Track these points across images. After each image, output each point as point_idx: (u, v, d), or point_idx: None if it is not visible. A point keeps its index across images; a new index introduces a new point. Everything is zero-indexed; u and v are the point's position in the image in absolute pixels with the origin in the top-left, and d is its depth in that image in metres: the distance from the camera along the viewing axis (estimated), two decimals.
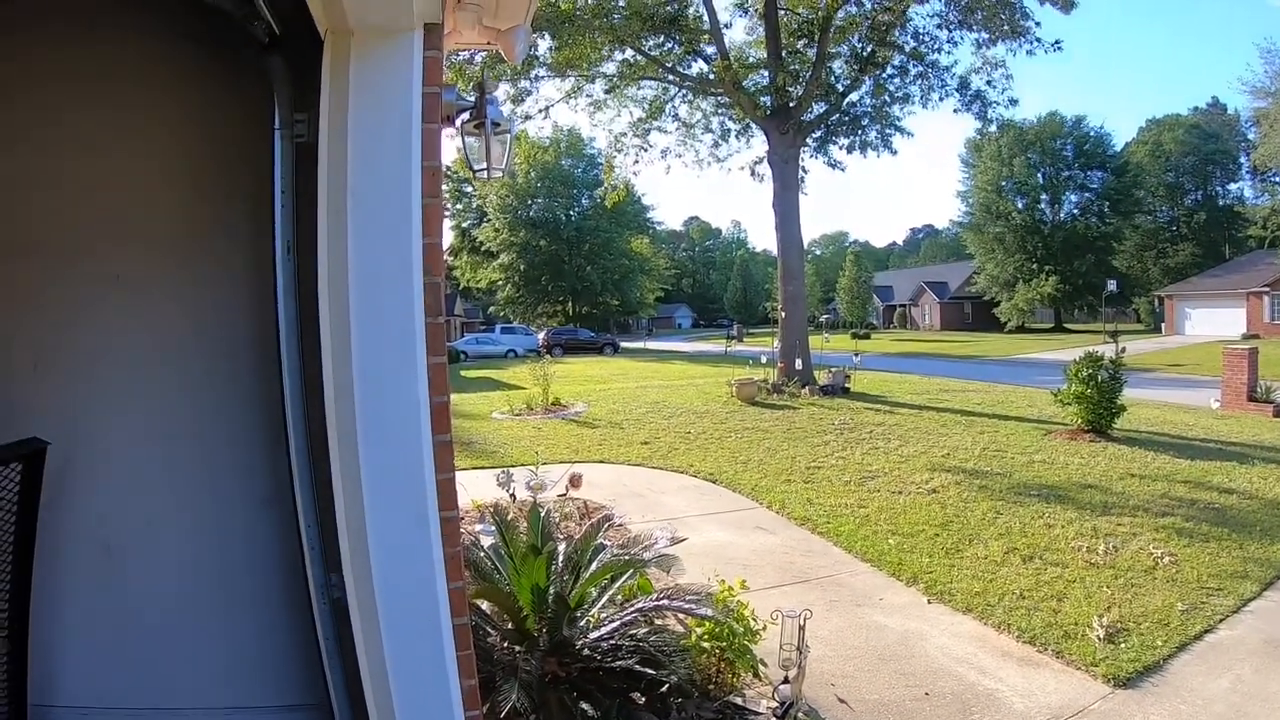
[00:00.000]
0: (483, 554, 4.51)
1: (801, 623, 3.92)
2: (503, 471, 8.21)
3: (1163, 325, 53.54)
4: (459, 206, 75.39)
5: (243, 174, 2.81)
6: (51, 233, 3.14)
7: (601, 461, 11.78)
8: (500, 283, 66.58)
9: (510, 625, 4.10)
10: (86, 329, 3.19)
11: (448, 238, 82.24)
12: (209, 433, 3.20)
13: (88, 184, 3.10)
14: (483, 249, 66.46)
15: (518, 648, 4.07)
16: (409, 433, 2.22)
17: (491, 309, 75.03)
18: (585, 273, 65.03)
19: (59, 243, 3.17)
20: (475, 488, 8.47)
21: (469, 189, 70.95)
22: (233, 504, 3.16)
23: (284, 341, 2.41)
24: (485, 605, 4.21)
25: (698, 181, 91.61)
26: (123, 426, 3.22)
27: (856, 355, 22.38)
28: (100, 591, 3.20)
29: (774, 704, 4.18)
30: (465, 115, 2.62)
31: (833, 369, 20.24)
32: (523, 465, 9.54)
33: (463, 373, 35.35)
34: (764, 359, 21.50)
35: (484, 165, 2.71)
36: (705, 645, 4.35)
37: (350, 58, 2.21)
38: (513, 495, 7.99)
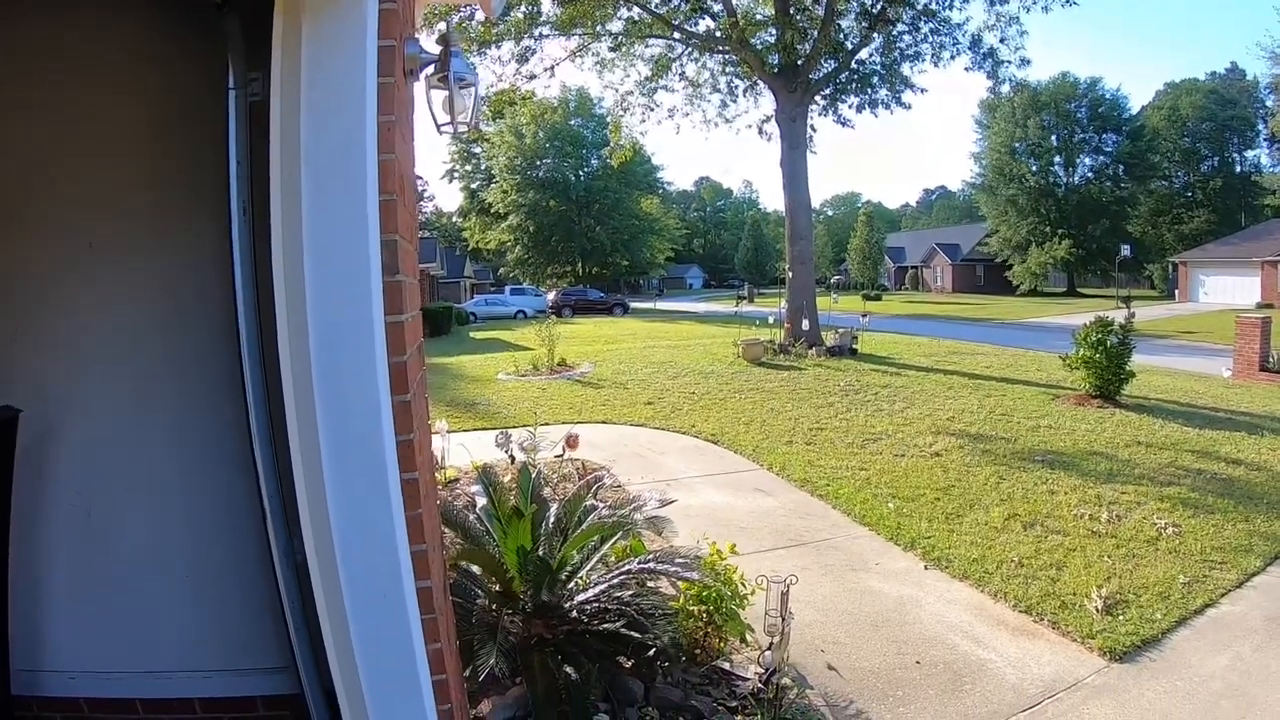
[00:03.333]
0: (473, 516, 4.49)
1: (785, 589, 3.89)
2: (501, 433, 8.21)
3: (1176, 292, 53.03)
4: (467, 168, 75.06)
5: (203, 136, 2.74)
6: (18, 203, 3.09)
7: (604, 422, 11.79)
8: (509, 244, 66.36)
9: (496, 587, 4.09)
10: (62, 298, 3.15)
11: (455, 199, 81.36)
12: (184, 398, 3.17)
13: (50, 151, 3.05)
14: (491, 210, 66.16)
15: (505, 610, 4.06)
16: (366, 394, 2.17)
17: (501, 270, 74.94)
18: (595, 233, 64.72)
19: (31, 213, 3.13)
20: (477, 448, 8.47)
21: (477, 150, 70.55)
22: (206, 469, 3.14)
23: (240, 304, 2.37)
24: (475, 567, 4.20)
25: (708, 142, 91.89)
26: (101, 394, 3.20)
27: (864, 316, 22.22)
28: (83, 558, 3.20)
29: (760, 670, 4.17)
30: (430, 69, 2.54)
31: (840, 330, 20.14)
32: (524, 426, 9.53)
33: (471, 334, 35.44)
34: (771, 320, 21.40)
35: (449, 119, 2.64)
36: (693, 609, 4.33)
37: (303, 11, 2.13)
38: (511, 456, 7.99)
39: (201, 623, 3.20)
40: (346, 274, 2.14)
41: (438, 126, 2.67)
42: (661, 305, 56.21)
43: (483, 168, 71.44)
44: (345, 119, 2.11)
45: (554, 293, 52.63)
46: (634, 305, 52.83)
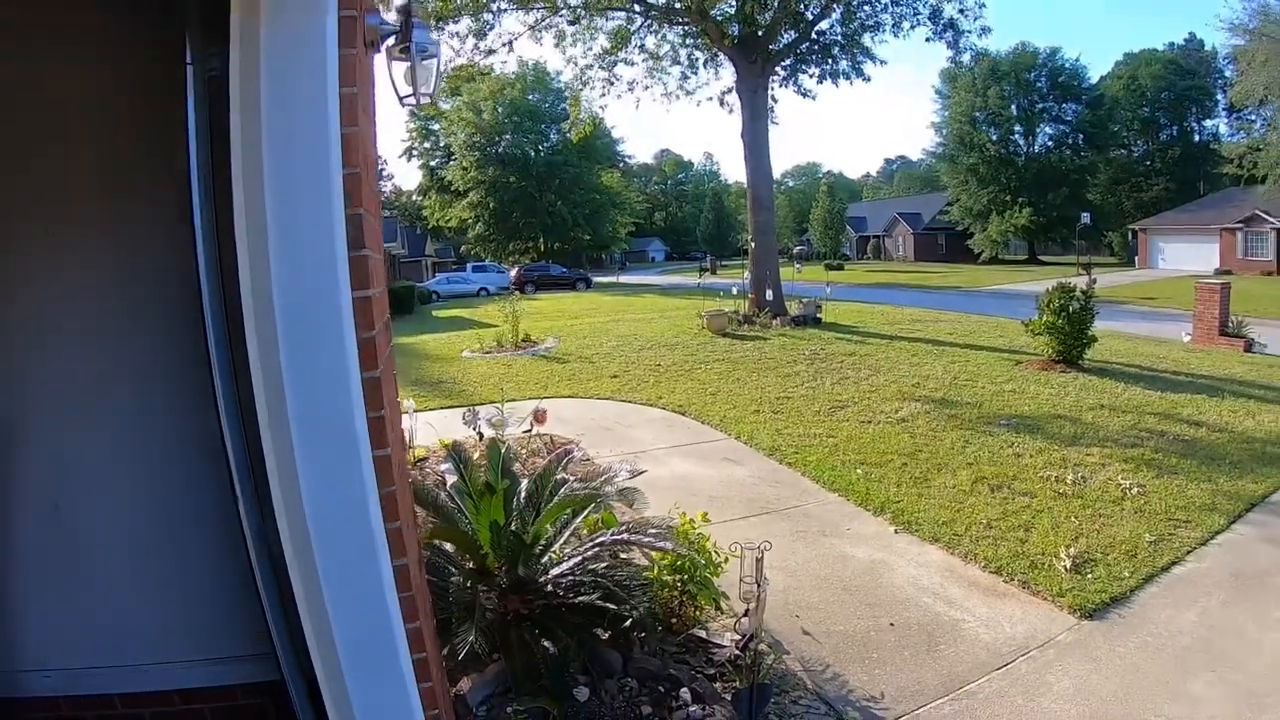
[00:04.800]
0: (444, 494, 4.46)
1: (759, 555, 3.92)
2: (468, 410, 8.17)
3: (1136, 259, 53.75)
4: (426, 145, 74.11)
5: (159, 113, 2.65)
6: None
7: (571, 396, 11.77)
8: (470, 221, 65.73)
9: (471, 564, 4.08)
10: (22, 286, 3.04)
11: (415, 177, 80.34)
12: (148, 383, 3.09)
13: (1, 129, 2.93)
14: (452, 188, 65.47)
15: (481, 587, 4.05)
16: (335, 371, 2.13)
17: (463, 248, 74.27)
18: (556, 208, 64.27)
19: None
20: (444, 427, 8.42)
21: (435, 127, 69.70)
22: (174, 455, 3.06)
23: (204, 284, 2.31)
24: (449, 545, 4.18)
25: (669, 115, 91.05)
26: (65, 383, 3.10)
27: (828, 286, 22.33)
28: (53, 552, 3.11)
29: (736, 636, 4.20)
30: (390, 40, 2.49)
31: (804, 300, 20.23)
32: (491, 403, 9.49)
33: (434, 312, 35.20)
34: (735, 291, 21.44)
35: (411, 91, 2.59)
36: (667, 579, 4.35)
37: None
38: (479, 433, 7.95)
39: (177, 613, 3.14)
40: (312, 249, 2.09)
41: (400, 98, 2.62)
42: (624, 279, 56.02)
43: (441, 145, 70.60)
44: (307, 91, 2.05)
45: (516, 269, 52.26)
46: (596, 280, 52.65)
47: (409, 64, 2.55)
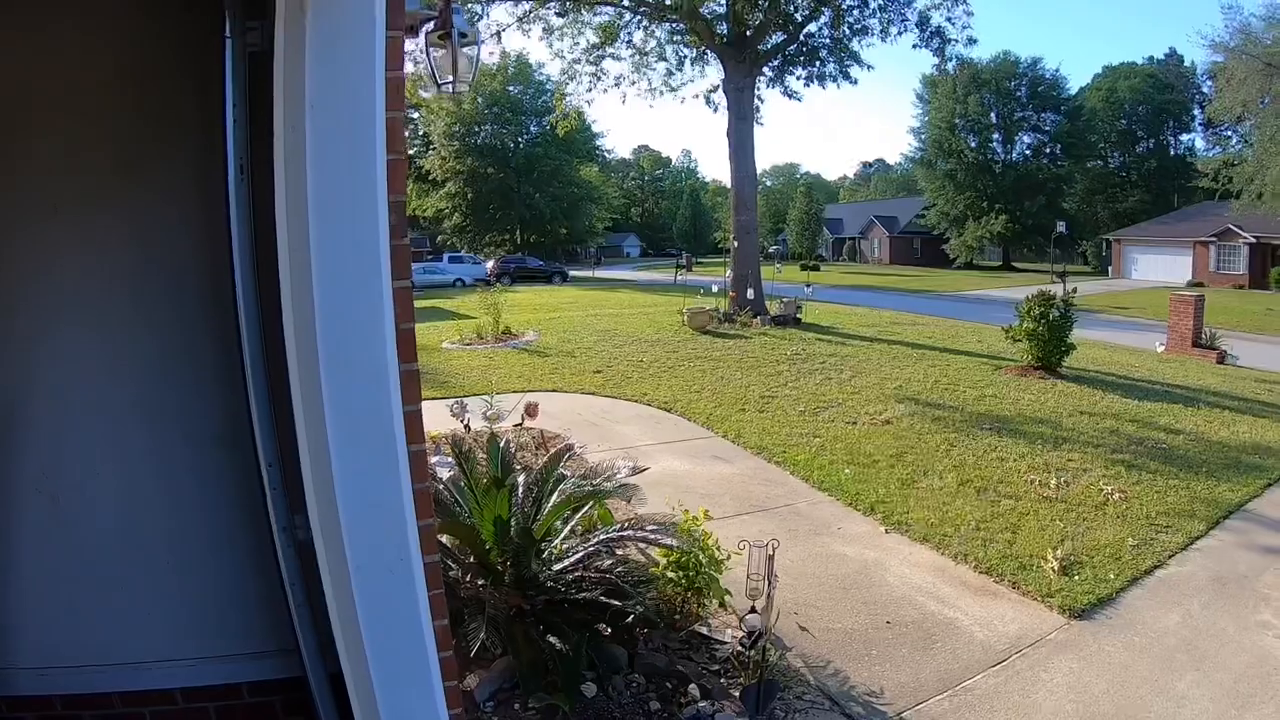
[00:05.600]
0: (441, 486, 4.41)
1: (770, 552, 3.90)
2: (456, 402, 8.08)
3: (1110, 269, 54.36)
4: (405, 133, 73.42)
5: (190, 88, 2.58)
6: None
7: (555, 390, 11.69)
8: (447, 211, 65.30)
9: (473, 559, 4.04)
10: (25, 266, 2.92)
11: None
12: (158, 371, 2.97)
13: (14, 102, 2.79)
14: (429, 177, 64.98)
15: (480, 582, 4.01)
16: (374, 363, 2.08)
17: (439, 238, 73.75)
18: (534, 201, 63.98)
19: None
20: (429, 419, 8.31)
21: (414, 115, 69.14)
22: (185, 445, 2.96)
23: (238, 271, 2.24)
24: (445, 539, 4.13)
25: (649, 111, 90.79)
26: (68, 369, 2.98)
27: (808, 286, 22.41)
28: (51, 546, 3.00)
29: (740, 633, 4.19)
30: (429, 25, 2.44)
31: (784, 299, 20.27)
32: (477, 395, 9.40)
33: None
34: (715, 288, 21.42)
35: (450, 79, 2.54)
36: (670, 575, 4.34)
37: None
38: (467, 426, 7.87)
39: (181, 608, 3.04)
40: (355, 236, 2.04)
41: (437, 86, 2.57)
42: (600, 274, 55.89)
43: (420, 133, 70.04)
44: (356, 72, 2.00)
45: (493, 261, 52.00)
46: (573, 273, 52.49)
47: (446, 50, 2.49)
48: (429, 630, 2.27)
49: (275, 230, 2.09)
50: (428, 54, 2.54)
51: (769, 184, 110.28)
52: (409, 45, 2.59)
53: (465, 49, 2.50)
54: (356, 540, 2.15)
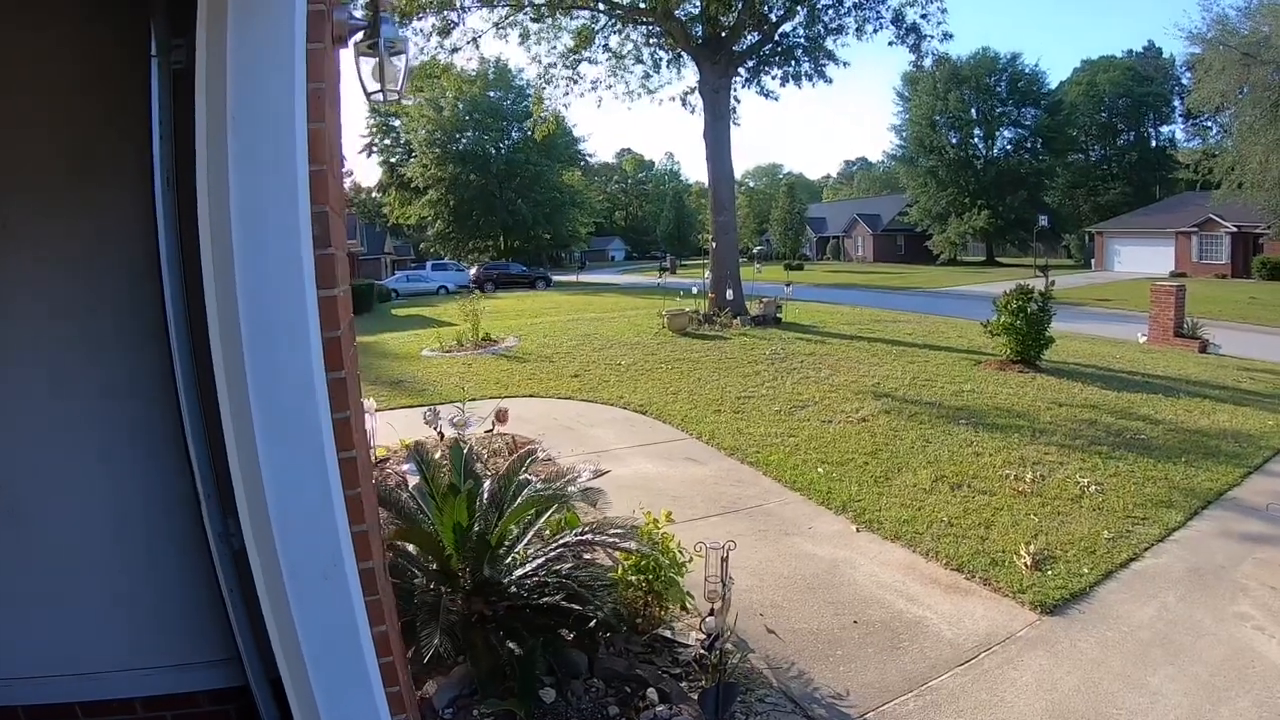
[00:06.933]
0: (406, 495, 4.41)
1: (725, 554, 3.92)
2: (429, 409, 8.09)
3: (1092, 261, 54.77)
4: (386, 142, 73.38)
5: (121, 106, 2.57)
6: None
7: (531, 396, 11.70)
8: (430, 219, 65.33)
9: (435, 566, 4.04)
10: None
11: (375, 173, 79.28)
12: (102, 383, 2.97)
13: None
14: (411, 185, 64.95)
15: (444, 589, 4.01)
16: (300, 372, 2.09)
17: (422, 246, 73.64)
18: (516, 206, 64.08)
19: None
20: (405, 427, 8.34)
21: (396, 123, 69.06)
22: (130, 456, 2.96)
23: (166, 281, 2.26)
24: (411, 547, 4.13)
25: (631, 114, 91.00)
26: (17, 382, 2.97)
27: (788, 286, 22.44)
28: (9, 560, 3.00)
29: (701, 636, 4.20)
30: (359, 35, 2.45)
31: (764, 299, 20.28)
32: (451, 402, 9.41)
33: (394, 311, 34.89)
34: (695, 290, 21.44)
35: (379, 88, 2.55)
36: (632, 579, 4.34)
37: None
38: (440, 433, 7.87)
39: (139, 618, 3.03)
40: (277, 247, 2.06)
41: (367, 95, 2.58)
42: (584, 278, 55.86)
43: (402, 141, 69.97)
44: (274, 85, 2.02)
45: (476, 268, 52.02)
46: (556, 278, 52.50)
47: (376, 60, 2.51)
48: (367, 636, 2.28)
49: (199, 240, 2.10)
50: (356, 64, 2.55)
51: (752, 185, 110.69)
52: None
53: (393, 58, 2.51)
54: (290, 548, 2.17)
